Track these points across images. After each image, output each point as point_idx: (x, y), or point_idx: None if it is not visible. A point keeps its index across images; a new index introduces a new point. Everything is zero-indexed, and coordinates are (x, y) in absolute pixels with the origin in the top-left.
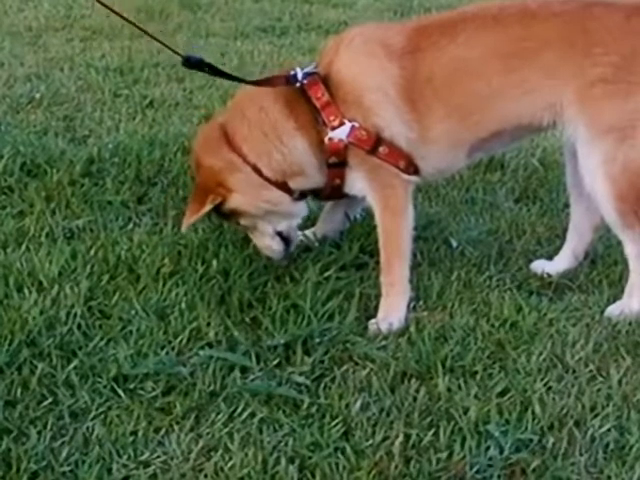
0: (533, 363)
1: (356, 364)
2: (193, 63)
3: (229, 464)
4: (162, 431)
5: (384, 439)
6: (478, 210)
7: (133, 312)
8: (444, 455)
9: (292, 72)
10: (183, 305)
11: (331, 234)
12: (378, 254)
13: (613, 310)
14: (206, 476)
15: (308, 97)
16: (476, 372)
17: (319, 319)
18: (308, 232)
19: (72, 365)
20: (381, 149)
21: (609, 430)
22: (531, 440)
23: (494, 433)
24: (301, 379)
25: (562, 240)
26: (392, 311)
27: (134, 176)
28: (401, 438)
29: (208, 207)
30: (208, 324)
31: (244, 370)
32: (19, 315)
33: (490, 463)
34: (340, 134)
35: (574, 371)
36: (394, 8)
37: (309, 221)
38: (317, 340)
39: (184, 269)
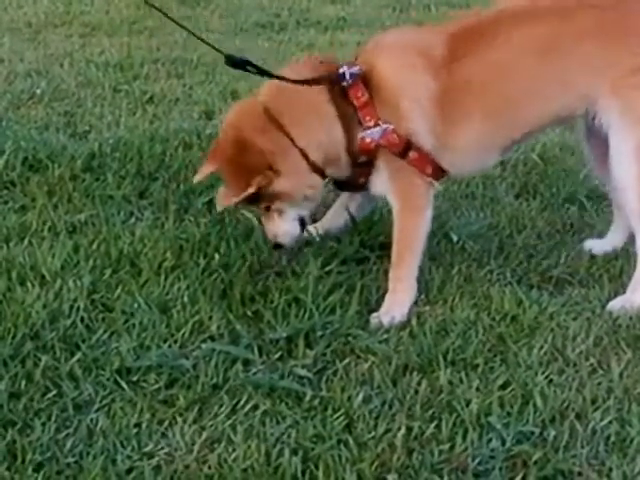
0: (534, 356)
1: (358, 357)
2: (236, 62)
3: (232, 456)
4: (165, 423)
5: (386, 431)
6: (478, 205)
7: (136, 305)
8: (446, 447)
9: (340, 71)
10: (185, 298)
11: (334, 231)
12: (379, 248)
13: (614, 304)
14: (210, 468)
15: (349, 96)
16: (477, 365)
17: (321, 313)
18: (311, 227)
19: (75, 358)
20: (411, 154)
21: (610, 423)
22: (532, 432)
23: (496, 425)
24: (303, 372)
25: (562, 234)
26: (396, 306)
27: (135, 171)
28: (403, 430)
29: (253, 189)
30: (210, 317)
31: (246, 363)
32: (22, 309)
33: (492, 455)
34: (373, 134)
35: (575, 364)
36: (392, 4)
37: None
38: (319, 333)
39: (186, 263)
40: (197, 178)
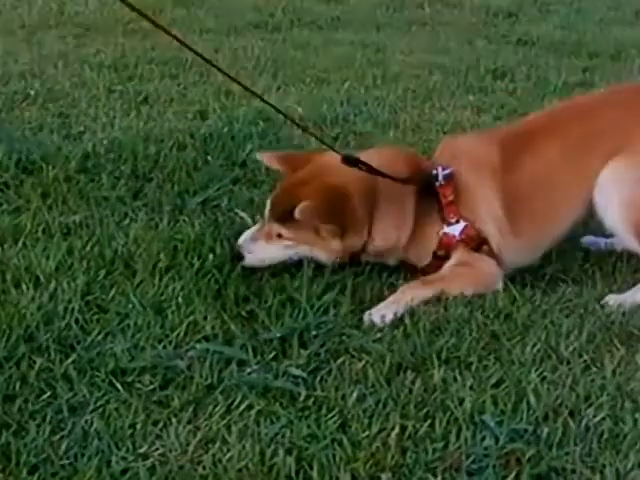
0: (527, 354)
1: (352, 356)
2: (351, 161)
3: (227, 456)
4: (160, 424)
5: (380, 430)
6: None
7: (130, 306)
8: (440, 445)
9: (434, 172)
10: (180, 299)
11: None
12: None
13: (610, 299)
14: (204, 468)
15: (438, 195)
16: (471, 363)
17: (315, 312)
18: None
19: (70, 359)
20: (485, 248)
21: (603, 419)
22: (526, 430)
23: (489, 423)
24: (298, 372)
25: None
26: (390, 304)
27: (130, 172)
28: (397, 429)
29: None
30: (205, 318)
31: (241, 363)
32: (17, 310)
33: (486, 453)
34: (454, 230)
35: (568, 362)
36: (386, 3)
37: None
38: (313, 333)
39: (180, 263)
40: (263, 156)
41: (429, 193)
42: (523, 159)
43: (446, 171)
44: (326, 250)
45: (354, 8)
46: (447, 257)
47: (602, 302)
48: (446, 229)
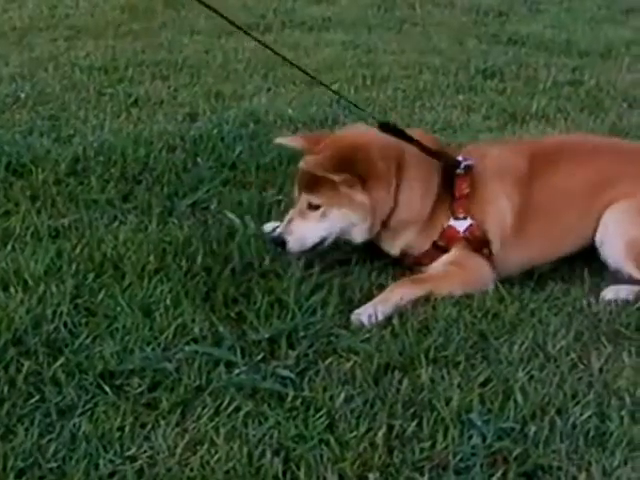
0: (515, 353)
1: (340, 357)
2: (385, 127)
3: (215, 458)
4: (148, 426)
5: (368, 430)
6: None
7: (119, 309)
8: (427, 445)
9: (459, 157)
10: (168, 301)
11: None
12: (361, 250)
13: (607, 292)
14: (192, 470)
15: (455, 183)
16: (459, 362)
17: (303, 313)
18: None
19: (59, 362)
20: (485, 250)
21: (590, 417)
22: (513, 429)
23: (476, 422)
24: (286, 372)
25: None
26: (378, 304)
27: (119, 174)
28: (384, 429)
29: (339, 178)
30: (193, 320)
31: (229, 365)
32: (5, 314)
33: (473, 452)
34: (460, 225)
35: (555, 360)
36: (378, 3)
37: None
38: (301, 334)
39: (169, 266)
40: (282, 140)
41: (447, 183)
42: (547, 176)
43: (468, 162)
44: (355, 209)
45: (345, 9)
46: (445, 250)
47: (602, 294)
48: (452, 222)
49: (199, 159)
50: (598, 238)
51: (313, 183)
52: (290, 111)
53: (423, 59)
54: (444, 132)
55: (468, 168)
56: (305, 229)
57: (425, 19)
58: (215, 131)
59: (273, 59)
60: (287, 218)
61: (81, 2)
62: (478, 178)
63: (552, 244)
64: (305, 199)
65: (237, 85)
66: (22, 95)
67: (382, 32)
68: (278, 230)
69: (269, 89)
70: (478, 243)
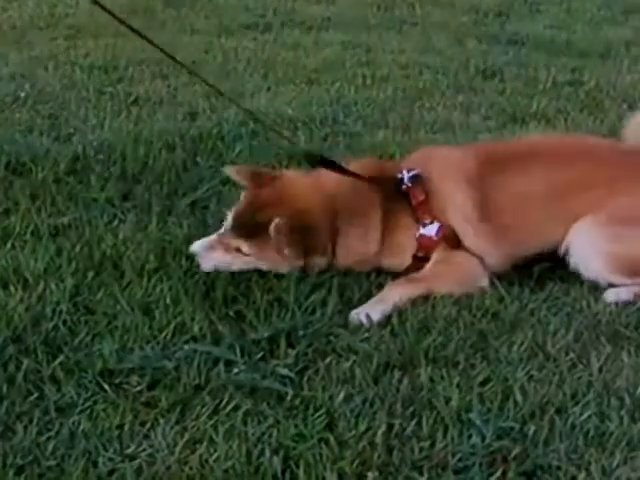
0: (514, 352)
1: (339, 356)
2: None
3: (214, 456)
4: (147, 425)
5: (367, 429)
6: None
7: (118, 307)
8: (427, 444)
9: (399, 175)
10: (168, 300)
11: None
12: None
13: (609, 295)
14: (191, 468)
15: (408, 196)
16: (458, 362)
17: (302, 312)
18: None
19: (58, 361)
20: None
21: (589, 417)
22: (512, 428)
23: (476, 422)
24: (285, 371)
25: None
26: (377, 304)
27: (119, 173)
28: (384, 428)
29: (273, 230)
30: (192, 318)
31: (228, 363)
32: (5, 312)
33: (472, 451)
34: (430, 231)
35: (555, 360)
36: (377, 3)
37: None
38: (301, 333)
39: (168, 264)
40: (231, 171)
41: (398, 197)
42: (502, 174)
43: (412, 173)
44: (287, 267)
45: (345, 9)
46: (427, 259)
47: (603, 296)
48: (422, 230)
49: (199, 158)
50: (569, 249)
51: (251, 233)
52: (290, 111)
53: (423, 59)
54: (444, 132)
55: (415, 177)
56: (224, 262)
57: (425, 19)
58: (215, 130)
59: (273, 58)
60: (208, 242)
61: (81, 1)
62: (429, 182)
63: (527, 232)
64: (236, 243)
65: (237, 84)
66: (22, 94)
67: (382, 32)
68: (194, 248)
69: (269, 88)
70: (455, 241)
